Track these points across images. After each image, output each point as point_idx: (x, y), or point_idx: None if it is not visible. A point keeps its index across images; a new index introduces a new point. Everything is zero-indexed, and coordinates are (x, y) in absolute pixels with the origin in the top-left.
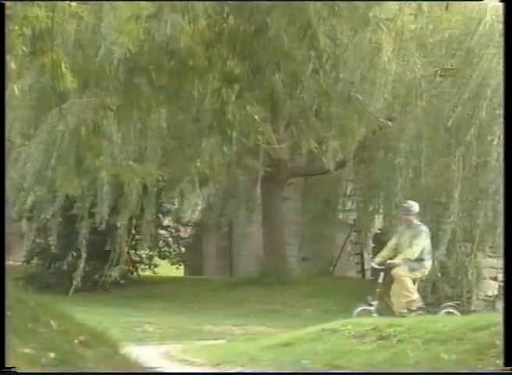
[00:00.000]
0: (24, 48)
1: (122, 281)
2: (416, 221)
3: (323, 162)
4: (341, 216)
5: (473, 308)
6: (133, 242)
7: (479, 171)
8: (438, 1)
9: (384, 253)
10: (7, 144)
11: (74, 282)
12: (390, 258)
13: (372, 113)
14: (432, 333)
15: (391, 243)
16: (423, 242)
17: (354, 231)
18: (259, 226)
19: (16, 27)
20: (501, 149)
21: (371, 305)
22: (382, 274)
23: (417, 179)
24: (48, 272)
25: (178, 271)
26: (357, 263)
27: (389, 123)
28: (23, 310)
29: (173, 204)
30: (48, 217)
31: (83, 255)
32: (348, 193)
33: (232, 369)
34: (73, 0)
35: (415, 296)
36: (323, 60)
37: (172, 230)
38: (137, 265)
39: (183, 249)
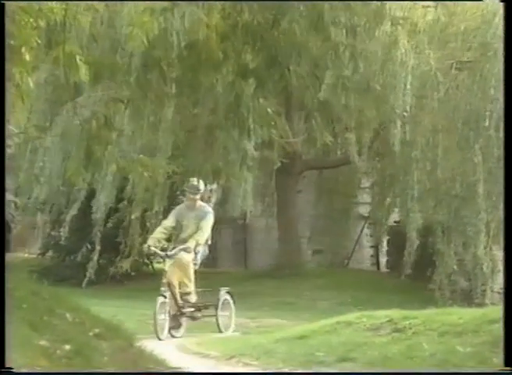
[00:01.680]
0: (39, 41)
1: (133, 273)
2: (200, 202)
3: (338, 154)
4: (356, 208)
5: (487, 301)
6: (147, 235)
7: (500, 164)
8: (439, 2)
9: (158, 235)
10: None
11: (87, 274)
12: (166, 241)
13: (390, 105)
14: (447, 325)
15: (167, 224)
16: (210, 226)
17: (369, 224)
18: (274, 219)
19: (31, 20)
20: None
21: (165, 296)
22: (168, 260)
23: (434, 172)
24: (63, 264)
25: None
26: (372, 256)
27: (407, 115)
28: (38, 302)
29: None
30: (64, 210)
31: (97, 248)
32: (363, 186)
33: (246, 361)
34: (76, 0)
35: (193, 288)
36: (339, 51)
37: None
38: (151, 258)
39: None
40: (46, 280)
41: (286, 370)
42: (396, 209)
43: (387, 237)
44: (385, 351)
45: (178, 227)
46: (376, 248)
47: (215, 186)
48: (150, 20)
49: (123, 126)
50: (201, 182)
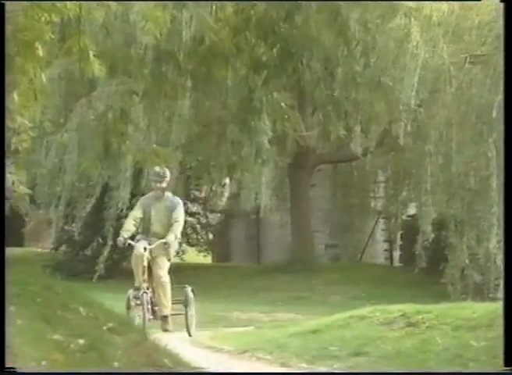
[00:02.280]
0: (52, 36)
1: None
2: (168, 192)
3: (352, 148)
4: (370, 203)
5: (500, 295)
6: None
7: None
8: (441, 1)
9: (131, 227)
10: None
11: (97, 268)
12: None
13: (402, 99)
14: (460, 319)
15: (136, 215)
16: (183, 218)
17: (383, 218)
18: (287, 214)
19: (45, 14)
20: None
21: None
22: (145, 255)
23: (448, 166)
24: (76, 259)
25: (205, 258)
26: (386, 250)
27: (420, 109)
28: (51, 297)
29: (201, 191)
30: (77, 205)
31: (109, 242)
32: (377, 180)
33: (259, 355)
34: (81, 0)
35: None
36: (352, 46)
37: (200, 217)
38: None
39: (210, 236)
40: (59, 274)
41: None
42: (410, 204)
43: (400, 232)
44: (398, 345)
45: (146, 219)
46: (389, 242)
47: (227, 181)
48: (162, 15)
49: (139, 120)
50: (166, 169)
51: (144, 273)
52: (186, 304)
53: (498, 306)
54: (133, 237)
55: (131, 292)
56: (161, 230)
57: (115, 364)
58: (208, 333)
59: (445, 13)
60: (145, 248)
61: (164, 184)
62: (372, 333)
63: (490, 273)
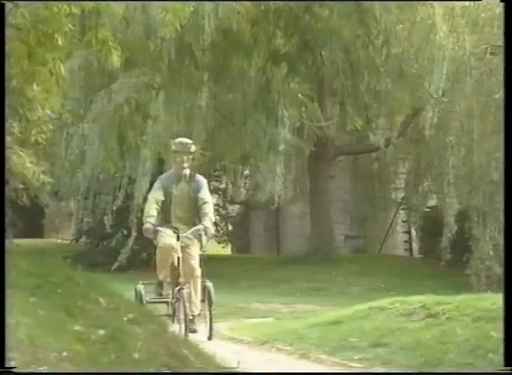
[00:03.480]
0: (72, 27)
1: None
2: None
3: (371, 140)
4: (390, 194)
5: None
6: None
7: None
8: (443, 1)
9: (153, 211)
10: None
11: (119, 258)
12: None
13: (427, 90)
14: (481, 311)
15: (158, 197)
16: (211, 198)
17: (402, 209)
18: (306, 205)
19: (65, 6)
20: None
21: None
22: (179, 244)
23: (470, 157)
24: (96, 250)
25: (224, 249)
26: (405, 241)
27: (444, 99)
28: (72, 288)
29: (220, 182)
30: (102, 197)
31: (133, 234)
32: (398, 171)
33: (279, 346)
34: (79, 0)
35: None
36: (372, 36)
37: (220, 209)
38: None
39: (230, 227)
40: (79, 265)
41: (324, 356)
42: (431, 195)
43: (420, 223)
44: (418, 336)
45: (167, 201)
46: (409, 233)
47: (247, 171)
48: (182, 7)
49: (158, 112)
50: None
51: (178, 265)
52: (209, 302)
53: None
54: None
55: (142, 287)
56: (184, 214)
57: (136, 355)
58: (227, 325)
59: (467, 4)
60: (178, 237)
61: (188, 160)
62: (392, 325)
63: None
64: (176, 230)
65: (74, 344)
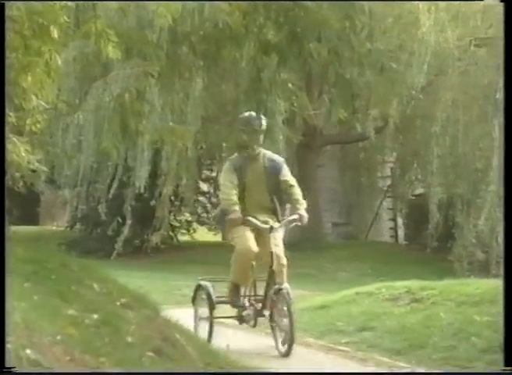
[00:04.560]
0: (67, 19)
1: (162, 246)
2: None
3: (358, 130)
4: (377, 183)
5: (501, 271)
6: (173, 208)
7: None
8: (439, 1)
9: (235, 197)
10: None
11: (116, 246)
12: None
13: (408, 82)
14: (464, 295)
15: (232, 181)
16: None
17: (388, 197)
18: None
19: None
20: None
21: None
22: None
23: (455, 146)
24: (90, 237)
25: (215, 237)
26: (391, 228)
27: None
28: (67, 273)
29: (212, 171)
30: (97, 186)
31: (128, 222)
32: (385, 160)
33: (268, 331)
34: (76, 0)
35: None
36: (357, 30)
37: (211, 197)
38: (176, 230)
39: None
40: (74, 251)
41: (312, 340)
42: (417, 183)
43: (406, 210)
44: (403, 320)
45: (240, 185)
46: (395, 221)
47: None
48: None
49: (154, 101)
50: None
51: (272, 261)
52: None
53: (501, 283)
54: None
55: (209, 284)
56: (261, 200)
57: (128, 339)
58: (218, 309)
59: None
60: (271, 228)
61: (261, 138)
62: (378, 309)
63: (493, 250)
64: (264, 221)
65: (68, 328)
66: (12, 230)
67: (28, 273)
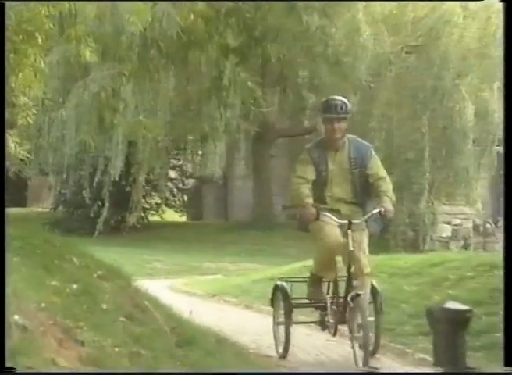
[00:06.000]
0: (51, 26)
1: (138, 226)
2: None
3: (305, 124)
4: None
5: (427, 247)
6: (144, 192)
7: (445, 133)
8: (435, 1)
9: (308, 191)
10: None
11: (97, 227)
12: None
13: (357, 78)
14: (395, 268)
15: (309, 177)
16: (385, 171)
17: None
18: (251, 180)
19: (45, 8)
20: (462, 114)
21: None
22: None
23: (389, 140)
24: (72, 218)
25: (181, 217)
26: None
27: (371, 85)
28: (50, 249)
29: (178, 160)
30: (81, 173)
31: (107, 204)
32: None
33: (226, 299)
34: (73, 0)
35: None
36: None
37: (178, 183)
38: (147, 212)
39: (186, 198)
40: (57, 230)
41: (264, 307)
42: None
43: None
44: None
45: (320, 178)
46: None
47: (200, 151)
48: (144, 8)
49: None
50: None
51: (350, 261)
52: (377, 308)
53: (426, 257)
54: None
55: (287, 285)
56: (345, 193)
57: (104, 306)
58: (183, 281)
59: (387, 11)
60: (350, 223)
61: (344, 125)
62: None
63: (420, 229)
64: (340, 216)
65: (51, 296)
66: None
67: (16, 249)
